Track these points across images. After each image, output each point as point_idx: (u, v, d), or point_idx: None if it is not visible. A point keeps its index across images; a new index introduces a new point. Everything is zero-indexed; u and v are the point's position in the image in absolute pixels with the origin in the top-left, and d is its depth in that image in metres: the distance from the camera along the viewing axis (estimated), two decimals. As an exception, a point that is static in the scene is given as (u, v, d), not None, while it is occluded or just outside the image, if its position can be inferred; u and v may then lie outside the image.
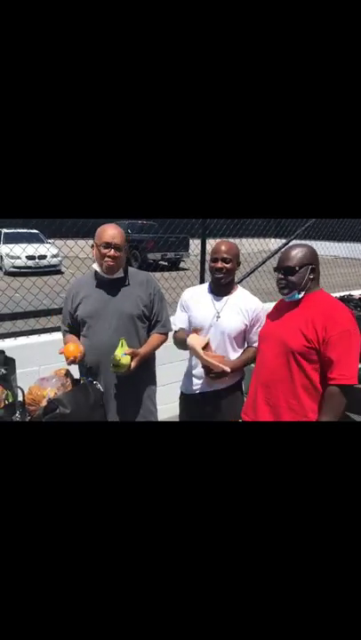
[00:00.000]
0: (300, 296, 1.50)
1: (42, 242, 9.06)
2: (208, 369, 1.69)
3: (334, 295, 3.56)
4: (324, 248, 6.13)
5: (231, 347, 1.79)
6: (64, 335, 1.78)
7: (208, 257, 1.91)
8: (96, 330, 1.65)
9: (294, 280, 1.47)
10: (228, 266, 1.74)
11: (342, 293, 3.72)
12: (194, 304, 1.85)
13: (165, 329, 1.80)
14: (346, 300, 3.15)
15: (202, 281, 3.26)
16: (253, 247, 4.65)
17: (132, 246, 10.05)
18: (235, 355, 1.80)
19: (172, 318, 1.90)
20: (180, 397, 1.94)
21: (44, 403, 1.35)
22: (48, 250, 8.25)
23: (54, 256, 8.96)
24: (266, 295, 1.78)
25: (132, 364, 1.56)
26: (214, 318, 1.78)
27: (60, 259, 8.92)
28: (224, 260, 1.74)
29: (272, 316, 1.62)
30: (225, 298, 1.82)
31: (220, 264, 1.73)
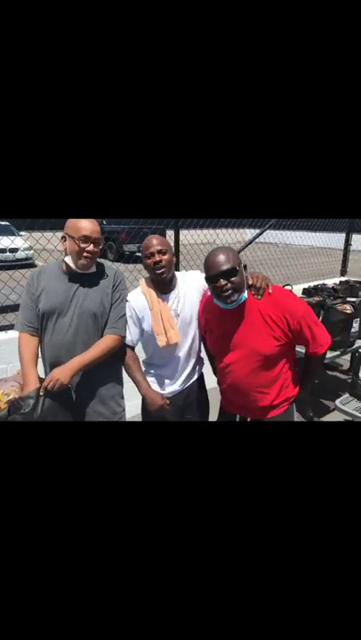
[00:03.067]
0: (245, 296, 1.46)
1: (13, 234, 8.77)
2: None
3: (309, 285, 3.61)
4: (300, 238, 6.20)
5: (197, 328, 1.77)
6: (20, 332, 1.60)
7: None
8: (56, 327, 1.54)
9: (239, 281, 1.41)
10: (166, 257, 1.64)
11: (316, 282, 3.76)
12: (146, 312, 1.71)
13: (119, 330, 1.61)
14: (320, 289, 3.18)
15: (177, 269, 3.21)
16: (229, 238, 4.63)
17: (107, 238, 9.88)
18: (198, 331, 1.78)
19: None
20: (143, 402, 1.82)
21: (3, 405, 1.30)
22: (13, 242, 7.94)
23: (27, 249, 8.70)
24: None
25: (66, 377, 1.42)
26: (175, 318, 1.70)
27: (31, 252, 8.66)
28: (161, 252, 1.63)
29: (219, 324, 1.55)
30: (174, 292, 1.73)
31: (157, 257, 1.62)
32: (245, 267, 1.49)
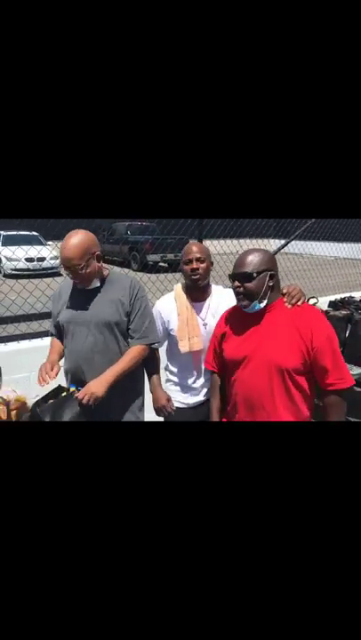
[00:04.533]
0: (262, 306, 1.37)
1: (41, 244, 9.03)
2: None
3: (335, 297, 3.51)
4: (325, 249, 6.07)
5: None
6: (51, 338, 1.72)
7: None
8: (75, 337, 1.57)
9: (252, 288, 1.33)
10: (203, 265, 1.66)
11: (343, 295, 3.65)
12: (172, 315, 1.73)
13: (147, 340, 1.59)
14: (346, 302, 3.08)
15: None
16: (253, 247, 4.59)
17: (130, 248, 10.02)
18: None
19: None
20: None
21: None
22: (40, 251, 8.15)
23: (53, 258, 8.92)
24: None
25: (101, 390, 1.44)
26: (202, 327, 1.69)
27: (57, 261, 8.88)
28: (198, 260, 1.65)
29: (238, 332, 1.45)
30: (206, 302, 1.73)
31: (195, 264, 1.65)
32: (272, 276, 1.38)
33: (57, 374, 1.50)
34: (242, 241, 4.25)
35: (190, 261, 1.66)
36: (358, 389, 3.88)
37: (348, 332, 2.54)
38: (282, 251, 3.76)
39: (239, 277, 1.35)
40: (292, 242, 3.81)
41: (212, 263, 1.72)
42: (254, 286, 1.34)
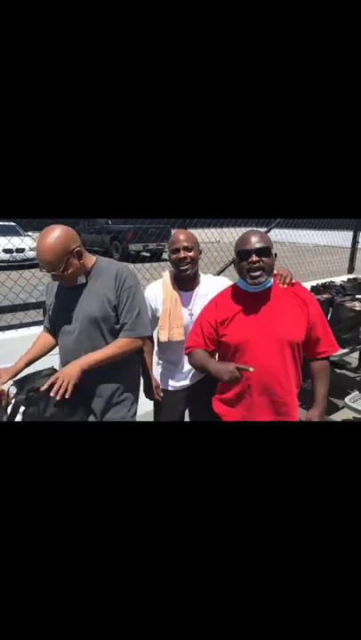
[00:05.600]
0: (271, 282, 1.43)
1: (19, 234, 8.83)
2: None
3: (317, 282, 3.59)
4: (306, 236, 6.17)
5: None
6: (42, 332, 1.67)
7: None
8: (63, 334, 1.52)
9: (271, 262, 1.38)
10: (191, 254, 1.63)
11: (324, 280, 3.74)
12: (159, 303, 1.71)
13: (134, 333, 1.46)
14: (328, 287, 3.17)
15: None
16: (236, 236, 4.62)
17: (112, 237, 9.90)
18: None
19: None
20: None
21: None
22: (22, 242, 7.98)
23: (32, 249, 8.75)
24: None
25: (74, 373, 1.34)
26: (187, 317, 1.70)
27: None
28: (186, 249, 1.63)
29: (240, 315, 1.45)
30: (194, 291, 1.73)
31: (182, 253, 1.62)
32: (276, 255, 1.42)
33: (4, 383, 1.44)
34: (225, 229, 4.27)
35: (178, 250, 1.63)
36: (339, 371, 4.01)
37: (329, 315, 2.62)
38: (264, 238, 3.81)
39: (260, 251, 1.35)
40: (274, 230, 3.86)
41: (200, 251, 1.70)
42: (271, 261, 1.37)
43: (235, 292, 1.51)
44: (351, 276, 4.24)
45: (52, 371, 1.48)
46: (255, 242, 1.35)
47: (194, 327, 1.59)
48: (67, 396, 1.31)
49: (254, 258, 1.35)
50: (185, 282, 1.71)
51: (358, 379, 2.72)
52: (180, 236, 1.65)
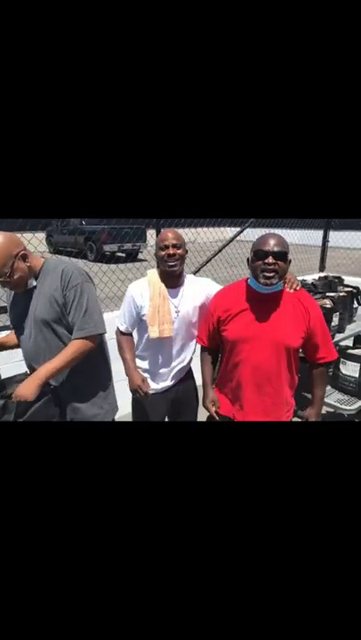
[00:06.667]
0: (281, 287, 1.46)
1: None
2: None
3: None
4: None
5: (194, 329, 1.80)
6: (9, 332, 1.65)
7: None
8: (21, 338, 1.51)
9: (285, 267, 1.40)
10: (179, 252, 1.66)
11: (298, 278, 3.83)
12: (145, 301, 1.73)
13: (83, 332, 1.43)
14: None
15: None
16: (210, 236, 4.66)
17: (86, 238, 9.76)
18: (196, 332, 1.81)
19: (117, 313, 1.81)
20: (133, 398, 1.85)
21: None
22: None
23: None
24: (223, 284, 1.75)
25: (30, 392, 1.31)
26: (174, 314, 1.72)
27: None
28: (175, 247, 1.65)
29: (244, 313, 1.49)
30: (180, 289, 1.76)
31: (171, 250, 1.65)
32: (290, 262, 1.45)
33: None
34: (199, 229, 4.30)
35: (167, 247, 1.65)
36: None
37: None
38: (237, 238, 3.86)
39: (278, 255, 1.37)
40: (247, 230, 3.92)
41: (186, 251, 1.73)
42: (286, 267, 1.40)
43: (242, 290, 1.54)
44: (322, 274, 4.36)
45: (25, 376, 1.46)
46: (274, 244, 1.38)
47: (204, 322, 1.69)
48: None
49: (271, 260, 1.37)
50: (172, 279, 1.73)
51: (330, 373, 2.81)
52: (168, 234, 1.68)
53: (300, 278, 3.82)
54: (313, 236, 5.84)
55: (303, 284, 3.30)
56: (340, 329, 2.85)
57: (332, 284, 3.29)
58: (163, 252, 1.67)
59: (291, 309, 1.47)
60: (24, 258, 1.38)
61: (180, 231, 1.78)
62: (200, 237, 4.29)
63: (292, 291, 1.52)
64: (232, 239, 3.83)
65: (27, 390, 1.32)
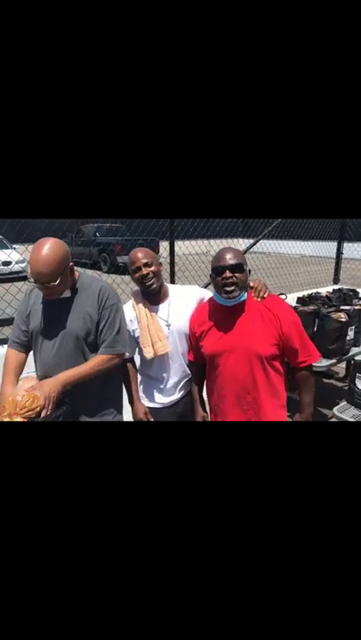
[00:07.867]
0: (245, 297, 1.49)
1: (6, 247, 8.76)
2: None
3: (303, 294, 3.64)
4: (292, 247, 6.25)
5: (186, 339, 1.78)
6: (9, 347, 1.55)
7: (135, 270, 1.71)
8: (42, 347, 1.49)
9: (243, 278, 1.44)
10: (152, 269, 1.66)
11: (310, 291, 3.79)
12: (135, 324, 1.73)
13: (113, 350, 1.48)
14: (313, 298, 3.20)
15: (172, 282, 3.23)
16: (223, 247, 4.64)
17: (100, 250, 9.91)
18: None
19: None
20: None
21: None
22: (9, 256, 7.91)
23: (20, 262, 8.67)
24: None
25: (55, 390, 1.31)
26: (165, 328, 1.72)
27: (25, 264, 8.64)
28: (147, 265, 1.66)
29: (215, 328, 1.53)
30: (165, 302, 1.75)
31: (144, 270, 1.65)
32: (250, 271, 1.51)
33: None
34: (212, 241, 4.31)
35: (139, 268, 1.66)
36: (326, 380, 4.02)
37: (315, 327, 2.65)
38: (251, 250, 3.86)
39: (234, 268, 1.42)
40: (260, 241, 3.91)
41: (160, 264, 1.73)
42: (244, 277, 1.44)
43: (211, 305, 1.59)
44: (336, 287, 4.31)
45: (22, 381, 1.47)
46: (229, 258, 1.43)
47: (189, 338, 1.71)
48: (48, 413, 1.30)
49: (228, 274, 1.42)
50: (154, 296, 1.74)
51: (346, 389, 2.75)
52: (137, 254, 1.69)
53: (313, 291, 3.78)
54: (327, 248, 5.79)
55: (317, 296, 3.26)
56: (356, 342, 2.80)
57: (346, 297, 3.25)
58: (137, 274, 1.68)
59: (259, 318, 1.49)
60: (71, 270, 1.43)
61: (194, 243, 1.78)
62: (213, 249, 4.29)
63: (259, 299, 1.53)
64: (245, 251, 3.83)
65: (51, 390, 1.32)
